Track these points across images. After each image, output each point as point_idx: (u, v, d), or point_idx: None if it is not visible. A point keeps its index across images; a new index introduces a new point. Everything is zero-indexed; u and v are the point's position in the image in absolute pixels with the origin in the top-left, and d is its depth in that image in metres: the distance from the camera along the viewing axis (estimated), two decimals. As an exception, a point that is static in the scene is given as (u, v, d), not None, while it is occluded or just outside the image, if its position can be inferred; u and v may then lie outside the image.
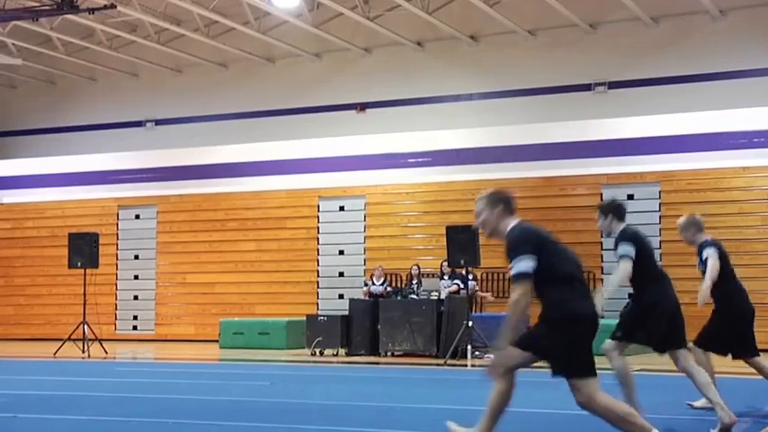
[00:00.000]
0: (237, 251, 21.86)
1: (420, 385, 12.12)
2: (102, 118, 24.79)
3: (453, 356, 15.32)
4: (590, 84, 20.25)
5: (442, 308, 16.32)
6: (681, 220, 8.42)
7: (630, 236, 7.26)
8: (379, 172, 21.15)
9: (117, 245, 23.24)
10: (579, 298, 5.56)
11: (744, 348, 8.35)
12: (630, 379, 7.17)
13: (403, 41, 21.52)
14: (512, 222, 5.68)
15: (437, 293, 16.75)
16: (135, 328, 23.01)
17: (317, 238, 21.57)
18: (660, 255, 18.49)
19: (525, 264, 5.44)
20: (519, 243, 5.53)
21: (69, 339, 17.93)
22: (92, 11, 19.00)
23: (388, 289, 18.07)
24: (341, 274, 20.97)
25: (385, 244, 20.88)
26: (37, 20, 20.35)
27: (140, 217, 23.33)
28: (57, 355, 17.47)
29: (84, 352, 17.59)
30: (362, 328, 16.89)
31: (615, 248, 7.30)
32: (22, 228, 24.30)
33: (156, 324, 22.85)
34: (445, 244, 16.35)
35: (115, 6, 19.00)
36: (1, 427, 8.02)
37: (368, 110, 22.15)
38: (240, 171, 22.31)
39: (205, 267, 22.30)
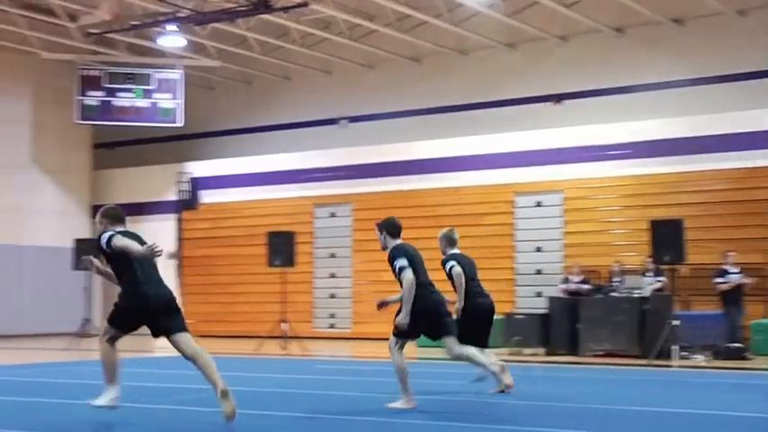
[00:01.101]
0: (432, 248, 21.51)
1: (624, 386, 11.69)
2: (296, 116, 25.13)
3: (658, 356, 14.71)
4: (810, 65, 18.88)
5: (646, 306, 15.89)
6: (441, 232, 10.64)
7: (401, 251, 8.79)
8: (576, 165, 20.48)
9: (313, 243, 23.44)
10: (147, 283, 7.44)
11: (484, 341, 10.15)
12: None
13: (601, 28, 20.70)
14: (115, 229, 7.55)
15: (640, 291, 16.16)
16: (332, 326, 23.13)
17: (514, 235, 21.05)
18: None
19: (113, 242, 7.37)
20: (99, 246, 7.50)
21: (269, 337, 18.19)
22: (286, 9, 19.24)
23: (589, 287, 17.41)
24: (538, 272, 20.35)
25: (584, 240, 20.12)
26: (234, 21, 20.78)
27: (336, 215, 23.46)
28: (258, 351, 17.73)
29: (284, 349, 17.79)
30: (562, 326, 16.84)
31: (390, 264, 8.72)
32: (221, 227, 24.92)
33: (353, 322, 22.90)
34: (647, 239, 15.79)
35: (308, 4, 19.17)
36: (205, 422, 8.12)
37: (564, 101, 21.42)
38: (434, 167, 22.08)
39: (400, 265, 22.09)
